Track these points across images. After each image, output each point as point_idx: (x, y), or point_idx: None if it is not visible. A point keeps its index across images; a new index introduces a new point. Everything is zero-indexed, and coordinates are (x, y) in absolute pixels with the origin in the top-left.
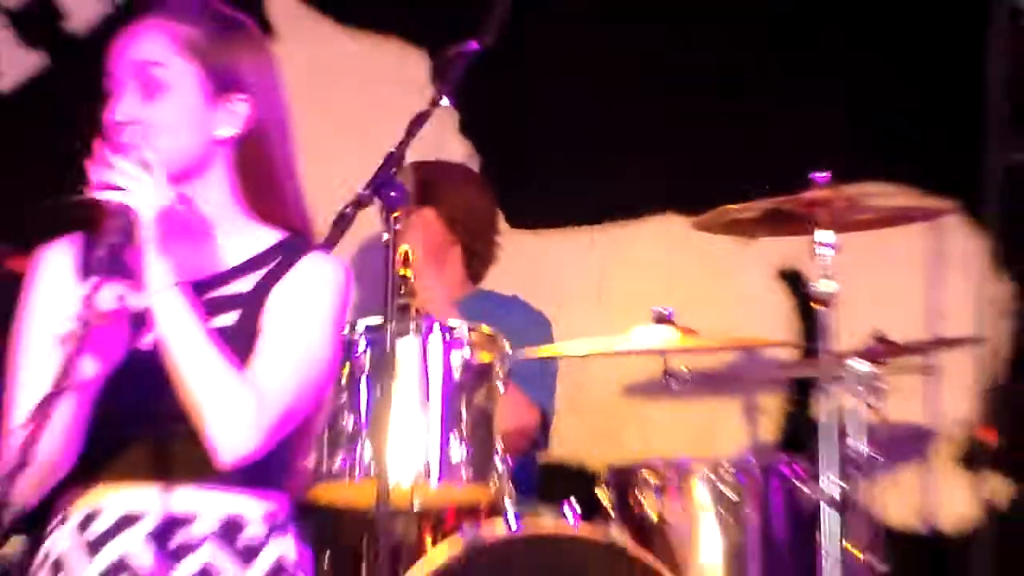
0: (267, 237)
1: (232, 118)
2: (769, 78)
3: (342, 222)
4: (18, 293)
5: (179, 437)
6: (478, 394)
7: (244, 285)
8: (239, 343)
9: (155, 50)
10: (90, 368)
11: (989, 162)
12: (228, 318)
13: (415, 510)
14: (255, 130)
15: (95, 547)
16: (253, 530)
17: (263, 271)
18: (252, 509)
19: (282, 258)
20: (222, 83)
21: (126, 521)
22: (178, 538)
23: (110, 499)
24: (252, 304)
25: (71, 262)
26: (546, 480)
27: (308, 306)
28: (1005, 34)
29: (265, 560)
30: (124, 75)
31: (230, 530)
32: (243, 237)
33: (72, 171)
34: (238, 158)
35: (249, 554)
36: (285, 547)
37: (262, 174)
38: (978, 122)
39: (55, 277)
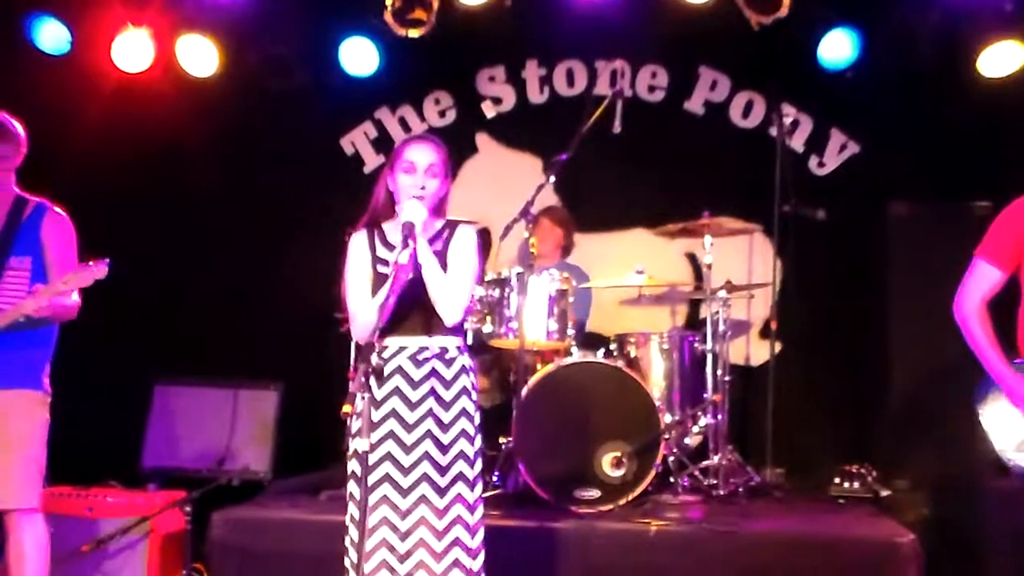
0: (440, 222)
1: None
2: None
3: (508, 227)
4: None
5: (426, 308)
6: (562, 300)
7: (440, 237)
8: (441, 261)
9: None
10: (402, 278)
11: (775, 208)
12: (435, 248)
13: (535, 350)
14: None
15: (387, 360)
16: (452, 353)
17: (445, 231)
18: (453, 342)
19: (449, 227)
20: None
21: (400, 349)
22: (421, 355)
23: (394, 339)
24: (445, 243)
25: (367, 241)
26: (587, 340)
27: (465, 245)
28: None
29: (457, 366)
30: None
31: (442, 353)
32: (433, 221)
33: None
34: (435, 200)
35: (450, 362)
36: (466, 361)
37: (441, 205)
38: (772, 187)
39: (360, 247)
